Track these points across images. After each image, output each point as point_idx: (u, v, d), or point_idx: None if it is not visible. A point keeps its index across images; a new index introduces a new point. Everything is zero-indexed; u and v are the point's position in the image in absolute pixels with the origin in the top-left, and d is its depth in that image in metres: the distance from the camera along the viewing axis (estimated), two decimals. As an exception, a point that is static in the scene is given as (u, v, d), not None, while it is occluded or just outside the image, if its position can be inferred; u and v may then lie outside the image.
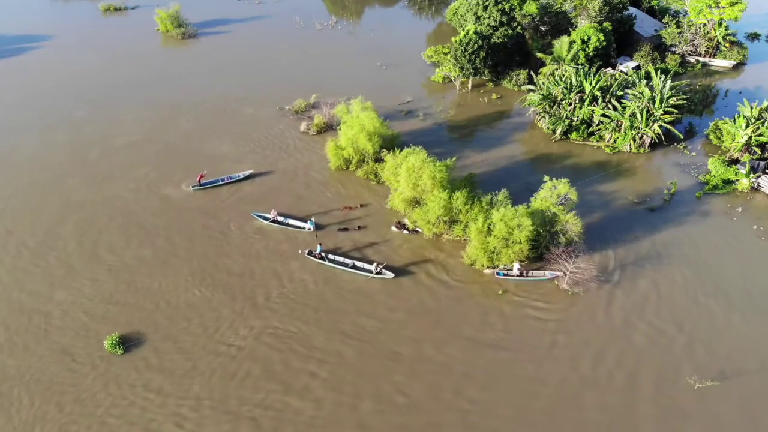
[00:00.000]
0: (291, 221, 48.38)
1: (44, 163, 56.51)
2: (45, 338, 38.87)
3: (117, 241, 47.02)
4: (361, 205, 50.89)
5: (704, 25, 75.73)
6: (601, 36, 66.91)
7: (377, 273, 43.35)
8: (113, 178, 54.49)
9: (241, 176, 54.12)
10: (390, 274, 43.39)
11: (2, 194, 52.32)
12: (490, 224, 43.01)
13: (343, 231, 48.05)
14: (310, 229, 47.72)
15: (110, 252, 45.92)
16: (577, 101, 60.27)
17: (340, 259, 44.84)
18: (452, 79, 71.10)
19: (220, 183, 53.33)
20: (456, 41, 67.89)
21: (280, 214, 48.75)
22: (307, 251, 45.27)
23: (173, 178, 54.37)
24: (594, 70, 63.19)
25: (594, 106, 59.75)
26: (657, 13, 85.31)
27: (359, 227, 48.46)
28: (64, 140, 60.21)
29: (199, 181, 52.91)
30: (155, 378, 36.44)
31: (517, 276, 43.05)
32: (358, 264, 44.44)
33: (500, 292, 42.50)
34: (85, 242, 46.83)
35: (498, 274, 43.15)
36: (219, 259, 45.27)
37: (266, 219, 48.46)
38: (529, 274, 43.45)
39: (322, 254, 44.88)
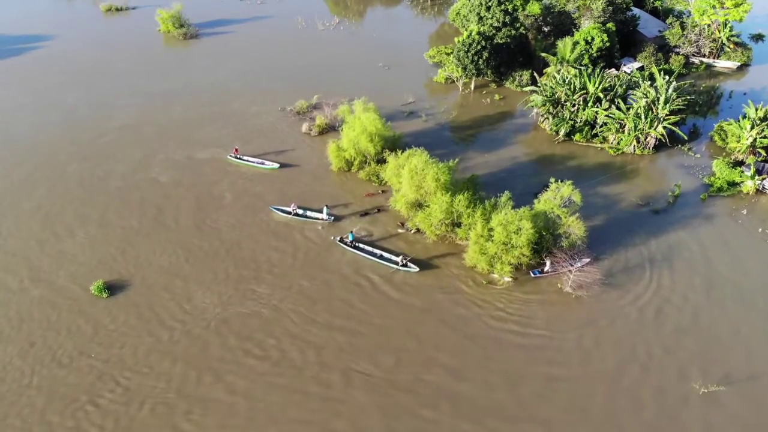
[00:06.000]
0: (309, 213, 49.30)
1: (43, 141, 59.64)
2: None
3: (109, 211, 50.33)
4: (383, 191, 51.92)
5: (708, 26, 75.31)
6: (605, 37, 66.55)
7: (402, 265, 43.76)
8: (108, 155, 57.13)
9: (267, 166, 55.22)
10: (415, 268, 43.80)
11: (6, 169, 55.46)
12: (490, 228, 42.55)
13: (365, 216, 49.34)
14: (324, 219, 48.55)
15: (103, 220, 49.20)
16: (580, 102, 59.90)
17: (369, 248, 45.61)
18: (455, 79, 70.75)
19: (248, 162, 56.02)
20: (459, 42, 67.58)
21: (299, 207, 49.59)
22: (338, 238, 46.36)
23: (172, 157, 57.29)
24: (598, 71, 62.78)
25: (597, 107, 59.39)
26: (661, 14, 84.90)
27: (378, 210, 50.04)
28: (61, 122, 63.07)
29: (235, 152, 56.63)
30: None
31: (551, 272, 43.11)
32: (386, 255, 45.04)
33: (484, 282, 42.83)
34: (79, 213, 49.79)
35: (534, 272, 43.20)
36: (207, 237, 47.35)
37: (287, 212, 49.28)
38: (561, 266, 43.27)
39: (353, 243, 45.85)
